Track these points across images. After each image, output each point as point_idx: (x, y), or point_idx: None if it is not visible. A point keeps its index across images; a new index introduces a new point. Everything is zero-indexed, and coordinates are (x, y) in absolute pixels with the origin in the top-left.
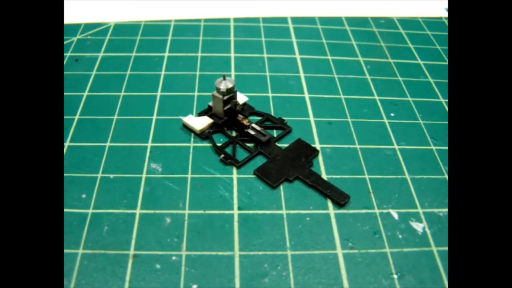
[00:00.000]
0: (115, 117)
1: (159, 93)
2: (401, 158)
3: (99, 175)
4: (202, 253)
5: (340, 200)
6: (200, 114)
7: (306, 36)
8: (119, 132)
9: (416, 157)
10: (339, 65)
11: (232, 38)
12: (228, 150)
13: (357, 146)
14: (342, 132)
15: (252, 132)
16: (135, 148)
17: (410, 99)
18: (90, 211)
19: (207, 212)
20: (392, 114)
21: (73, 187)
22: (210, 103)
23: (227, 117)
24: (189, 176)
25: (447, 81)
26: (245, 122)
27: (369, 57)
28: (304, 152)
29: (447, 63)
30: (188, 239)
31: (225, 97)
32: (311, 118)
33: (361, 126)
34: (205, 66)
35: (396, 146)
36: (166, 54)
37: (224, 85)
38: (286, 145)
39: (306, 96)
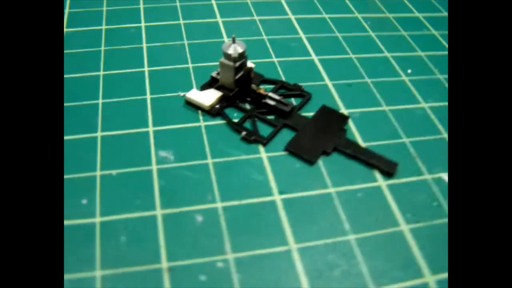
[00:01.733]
0: (100, 100)
1: (146, 69)
2: (433, 117)
3: (98, 173)
4: (252, 252)
5: (389, 169)
6: (202, 87)
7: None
8: (110, 118)
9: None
10: (337, 23)
11: (213, 2)
12: (246, 125)
13: (385, 108)
14: (364, 94)
15: (271, 103)
16: (134, 135)
17: (421, 53)
18: (97, 219)
19: (243, 202)
20: (409, 71)
21: (67, 192)
22: (214, 74)
23: (239, 88)
24: (209, 161)
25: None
26: (262, 91)
27: (366, 13)
28: (333, 120)
29: (445, 14)
30: (231, 237)
31: (237, 64)
32: (328, 82)
33: (381, 86)
34: (192, 34)
35: (424, 105)
36: (143, 24)
37: (234, 50)
38: (310, 114)
39: (315, 58)
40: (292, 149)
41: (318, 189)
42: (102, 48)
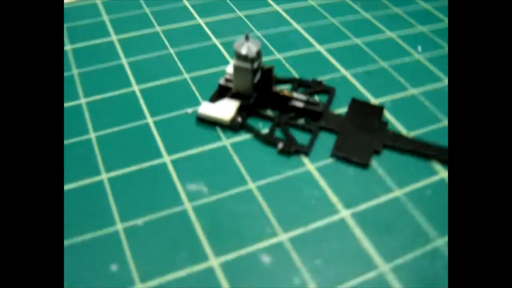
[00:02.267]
0: (92, 135)
1: (136, 88)
2: None
3: (119, 226)
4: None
5: (447, 157)
6: (212, 99)
7: None
8: (111, 154)
9: None
10: (327, 8)
11: (186, 2)
12: (277, 136)
13: (414, 91)
14: (387, 80)
15: (300, 105)
16: (148, 170)
17: (422, 28)
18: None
19: (310, 227)
20: (419, 49)
21: (89, 257)
22: (222, 81)
23: (258, 93)
24: (251, 185)
25: (445, 3)
26: (286, 93)
27: None
28: (369, 113)
29: None
30: (312, 275)
31: (255, 65)
32: (344, 72)
33: (400, 69)
34: (175, 41)
35: (447, 81)
36: (114, 37)
37: (249, 49)
38: (341, 110)
39: (320, 48)
40: (341, 154)
41: (383, 195)
42: (74, 71)
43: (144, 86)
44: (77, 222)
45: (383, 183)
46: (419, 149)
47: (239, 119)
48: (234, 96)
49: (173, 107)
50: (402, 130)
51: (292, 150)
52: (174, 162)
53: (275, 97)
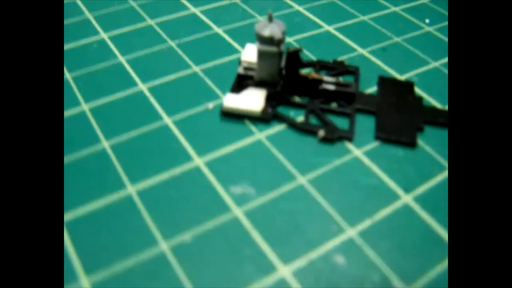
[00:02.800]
0: (106, 144)
1: (143, 87)
2: None
3: (163, 245)
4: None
5: None
6: (233, 90)
7: None
8: (131, 164)
9: None
10: None
11: None
12: (313, 123)
13: (436, 64)
14: (406, 55)
15: (331, 87)
16: (181, 177)
17: (424, 1)
18: None
19: (377, 218)
20: (427, 21)
21: None
22: (241, 70)
23: (286, 79)
24: (302, 180)
25: None
26: (316, 76)
27: None
28: (401, 90)
29: None
30: (394, 270)
31: (281, 48)
32: (361, 50)
33: (415, 42)
34: (174, 33)
35: None
36: (103, 35)
37: (273, 30)
38: (370, 90)
39: (329, 28)
40: (386, 135)
41: (439, 173)
42: (68, 75)
43: (151, 84)
44: (116, 243)
45: (435, 161)
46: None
47: (270, 109)
48: (259, 84)
49: (190, 103)
50: (437, 104)
51: (335, 137)
52: (208, 165)
53: (303, 81)
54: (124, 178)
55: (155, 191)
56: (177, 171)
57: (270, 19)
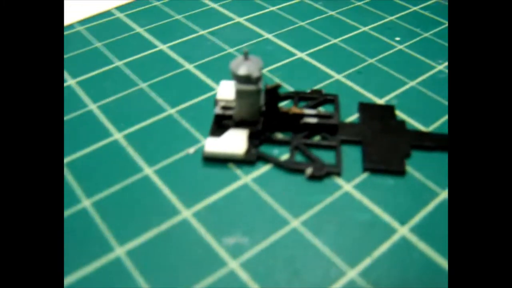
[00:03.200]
0: (87, 203)
1: (117, 135)
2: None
3: None
4: None
5: None
6: (213, 132)
7: None
8: (117, 227)
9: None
10: (290, 12)
11: (139, 29)
12: (298, 160)
13: (412, 83)
14: (382, 77)
15: (313, 120)
16: (167, 234)
17: (391, 18)
18: None
19: (375, 254)
20: (397, 38)
21: None
22: (218, 110)
23: (266, 116)
24: (295, 224)
25: None
26: (297, 110)
27: None
28: (382, 115)
29: None
30: None
31: (260, 86)
32: (337, 76)
33: (388, 63)
34: (143, 74)
35: (440, 67)
36: (70, 81)
37: (250, 68)
38: (352, 118)
39: (302, 55)
40: (375, 166)
41: (432, 200)
42: None
43: (127, 132)
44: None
45: (426, 188)
46: (447, 143)
47: (253, 150)
48: (239, 124)
49: (170, 150)
50: (419, 126)
51: (323, 173)
52: (197, 216)
53: (284, 117)
54: (111, 240)
55: (145, 250)
56: (165, 226)
57: (246, 56)
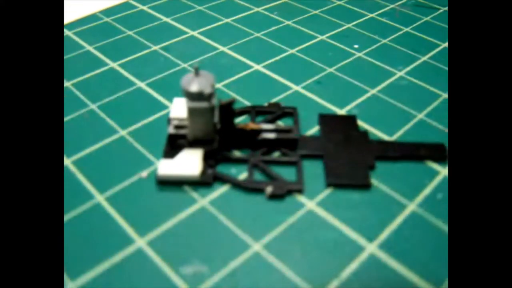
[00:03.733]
0: None
1: (66, 161)
2: (417, 80)
3: None
4: None
5: (440, 155)
6: (166, 154)
7: (176, 10)
8: (64, 254)
9: (428, 72)
10: (246, 23)
11: (88, 47)
12: (257, 178)
13: (373, 91)
14: (341, 86)
15: (272, 136)
16: (121, 266)
17: (348, 25)
18: None
19: (343, 275)
20: (356, 46)
21: None
22: (171, 129)
23: (221, 134)
24: (257, 248)
25: None
26: (253, 126)
27: (264, 5)
28: (344, 126)
29: None
30: None
31: (213, 102)
32: (295, 87)
33: (348, 71)
34: (93, 94)
35: (400, 73)
36: None
37: (201, 84)
38: (313, 130)
39: (259, 67)
40: (338, 181)
41: (399, 214)
42: None
43: (75, 157)
44: None
45: (392, 200)
46: (412, 152)
47: (209, 170)
48: (193, 143)
49: (122, 174)
50: (382, 135)
51: (284, 191)
52: (152, 245)
53: (241, 134)
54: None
55: (96, 286)
56: (118, 257)
57: (197, 72)
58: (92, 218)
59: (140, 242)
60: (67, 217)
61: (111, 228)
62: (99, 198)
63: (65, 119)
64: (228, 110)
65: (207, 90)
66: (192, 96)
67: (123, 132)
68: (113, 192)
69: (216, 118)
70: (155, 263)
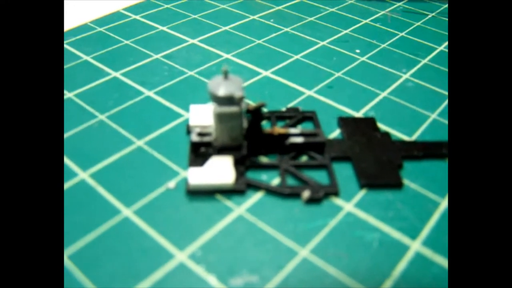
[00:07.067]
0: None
1: (83, 175)
2: (421, 82)
3: None
4: None
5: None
6: (192, 162)
7: (170, 19)
8: (97, 275)
9: (431, 74)
10: (245, 31)
11: (86, 57)
12: (289, 183)
13: (384, 94)
14: (353, 90)
15: (300, 140)
16: (165, 282)
17: (346, 31)
18: None
19: (395, 274)
20: (357, 51)
21: None
22: (194, 137)
23: (249, 140)
24: (304, 253)
25: (352, 2)
26: (281, 130)
27: (259, 13)
28: (365, 128)
29: None
30: None
31: (243, 107)
32: (308, 92)
33: (356, 75)
34: (99, 105)
35: (406, 76)
36: None
37: (231, 87)
38: (334, 134)
39: (267, 73)
40: (371, 181)
41: (435, 211)
42: None
43: (92, 170)
44: None
45: (425, 198)
46: (434, 151)
47: (241, 178)
48: (220, 151)
49: (146, 186)
50: (402, 136)
51: (321, 195)
52: (194, 258)
53: (268, 138)
54: None
55: None
56: (159, 274)
57: (226, 75)
58: (124, 234)
59: (181, 256)
60: (94, 235)
61: (146, 244)
62: (126, 212)
63: (74, 131)
64: (257, 114)
65: (237, 93)
66: (221, 101)
67: (139, 142)
68: (141, 205)
69: (245, 123)
70: (201, 277)
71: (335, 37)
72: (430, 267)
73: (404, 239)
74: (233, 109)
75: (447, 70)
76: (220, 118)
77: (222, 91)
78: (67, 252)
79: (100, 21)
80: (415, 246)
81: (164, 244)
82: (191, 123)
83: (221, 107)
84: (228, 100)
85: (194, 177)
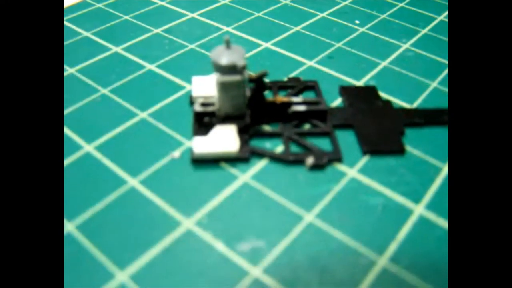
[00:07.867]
0: (69, 226)
1: (88, 147)
2: (422, 51)
3: None
4: None
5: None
6: (196, 132)
7: None
8: (114, 250)
9: (431, 43)
10: (244, 3)
11: (86, 33)
12: (293, 151)
13: (384, 63)
14: (353, 60)
15: (302, 108)
16: (170, 251)
17: (345, 3)
18: None
19: (400, 237)
20: (357, 22)
21: None
22: (198, 107)
23: (253, 108)
24: (310, 217)
25: None
26: (284, 99)
27: None
28: (367, 97)
29: None
30: None
31: (246, 75)
32: (309, 62)
33: (356, 46)
34: (102, 78)
35: (406, 45)
36: None
37: (233, 56)
38: (336, 102)
39: (268, 45)
40: (374, 148)
41: (438, 176)
42: None
43: (98, 142)
44: None
45: (428, 164)
46: (436, 118)
47: (245, 146)
48: (224, 120)
49: (151, 156)
50: (403, 103)
51: (325, 161)
52: (201, 225)
53: (271, 107)
54: (109, 266)
55: (150, 272)
56: (168, 241)
57: (228, 44)
58: (130, 203)
59: (188, 224)
60: (102, 204)
61: (153, 212)
62: (133, 182)
63: (78, 105)
64: (260, 83)
65: (240, 62)
66: (224, 70)
67: (143, 114)
68: (147, 175)
69: (248, 92)
70: (209, 243)
71: (335, 8)
72: (433, 230)
73: (408, 203)
74: (235, 77)
75: (447, 39)
76: (223, 87)
77: (224, 60)
78: (75, 222)
79: None
80: (419, 210)
81: (171, 212)
82: (194, 94)
83: (224, 76)
84: (231, 69)
85: (199, 146)
